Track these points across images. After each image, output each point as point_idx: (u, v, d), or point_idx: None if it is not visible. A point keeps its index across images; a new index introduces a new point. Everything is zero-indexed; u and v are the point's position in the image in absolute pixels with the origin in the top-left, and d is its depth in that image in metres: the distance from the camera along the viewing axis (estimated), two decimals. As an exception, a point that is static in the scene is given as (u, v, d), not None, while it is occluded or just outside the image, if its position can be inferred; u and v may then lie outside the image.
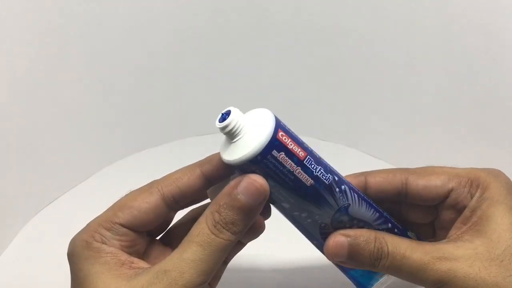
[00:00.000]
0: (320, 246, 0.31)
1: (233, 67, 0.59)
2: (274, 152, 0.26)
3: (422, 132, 0.55)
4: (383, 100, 0.56)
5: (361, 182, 0.32)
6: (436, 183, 0.30)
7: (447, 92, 0.51)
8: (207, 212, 0.27)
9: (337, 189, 0.28)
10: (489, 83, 0.48)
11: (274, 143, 0.26)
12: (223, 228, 0.26)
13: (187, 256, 0.26)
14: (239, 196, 0.26)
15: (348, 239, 0.28)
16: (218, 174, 0.29)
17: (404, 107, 0.55)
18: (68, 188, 0.54)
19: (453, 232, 0.29)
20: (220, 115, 0.27)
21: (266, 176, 0.27)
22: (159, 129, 0.61)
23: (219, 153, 0.29)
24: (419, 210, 0.32)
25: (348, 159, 0.58)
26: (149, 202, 0.28)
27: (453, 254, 0.26)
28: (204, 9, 0.55)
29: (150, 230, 0.30)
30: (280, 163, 0.27)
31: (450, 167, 0.31)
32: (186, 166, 0.30)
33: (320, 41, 0.56)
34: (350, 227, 0.29)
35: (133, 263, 0.27)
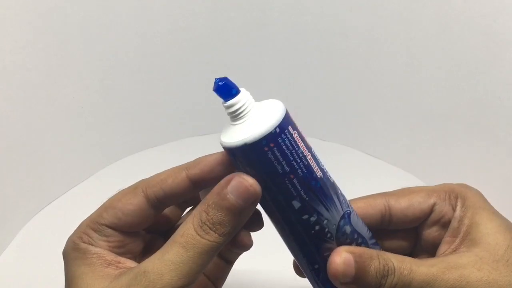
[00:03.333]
0: (316, 273, 0.28)
1: (233, 67, 0.59)
2: (290, 128, 0.25)
3: (422, 132, 0.55)
4: (383, 100, 0.56)
5: None
6: (418, 199, 0.30)
7: (447, 92, 0.51)
8: (195, 212, 0.26)
9: (339, 191, 0.27)
10: (489, 83, 0.48)
11: (289, 120, 0.25)
12: (210, 229, 0.25)
13: (168, 258, 0.24)
14: (228, 196, 0.25)
15: (353, 255, 0.26)
16: (204, 177, 0.28)
17: (404, 107, 0.55)
18: (68, 188, 0.54)
19: (445, 247, 0.28)
20: (214, 81, 0.25)
21: (281, 158, 0.24)
22: (159, 129, 0.61)
23: (207, 155, 0.28)
24: (400, 237, 0.32)
25: (348, 159, 0.58)
26: (133, 204, 0.28)
27: (458, 263, 0.26)
28: (204, 8, 0.55)
29: (137, 231, 0.29)
30: (295, 142, 0.25)
31: (424, 186, 0.31)
32: (173, 168, 0.29)
33: (321, 41, 0.56)
34: (351, 243, 0.28)
35: (119, 263, 0.27)
